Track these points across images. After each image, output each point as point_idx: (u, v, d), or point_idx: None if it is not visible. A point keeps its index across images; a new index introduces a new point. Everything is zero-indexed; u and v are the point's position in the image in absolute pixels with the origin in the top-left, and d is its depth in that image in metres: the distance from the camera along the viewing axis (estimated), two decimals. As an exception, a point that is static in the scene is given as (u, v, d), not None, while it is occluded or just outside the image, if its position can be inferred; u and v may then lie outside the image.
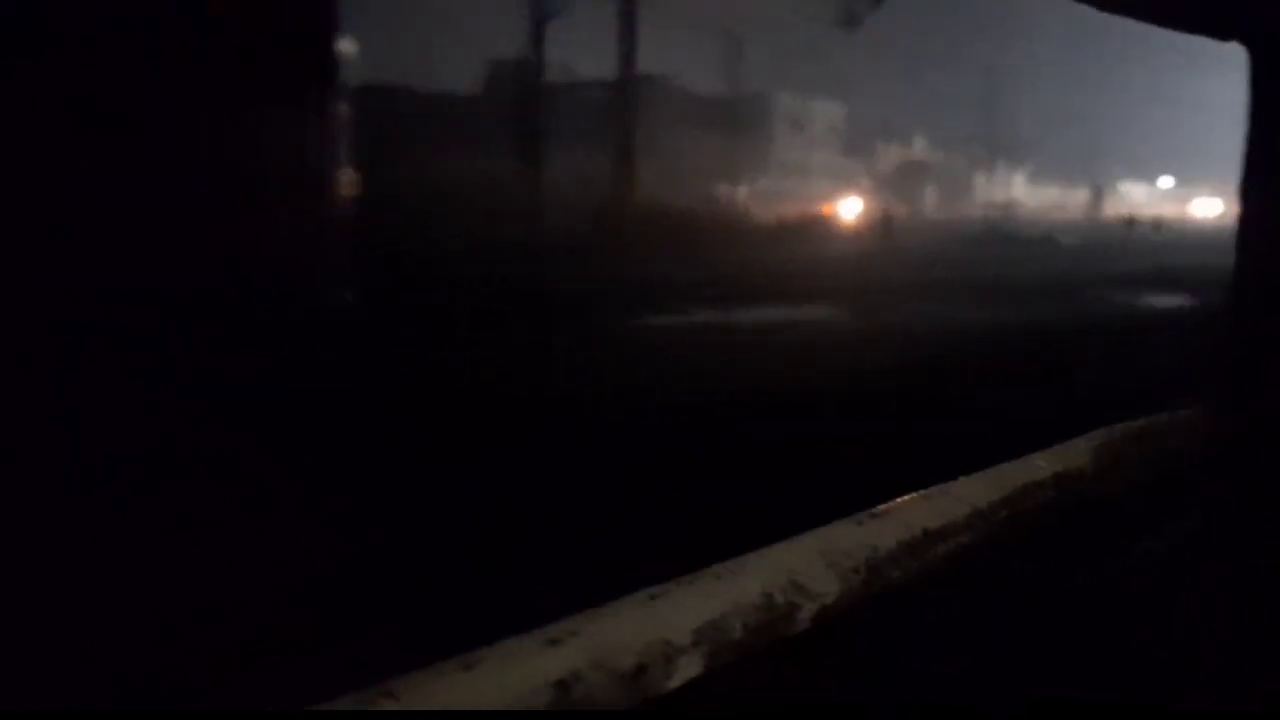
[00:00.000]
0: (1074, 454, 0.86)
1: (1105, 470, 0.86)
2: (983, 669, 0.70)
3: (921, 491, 0.71)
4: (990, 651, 0.71)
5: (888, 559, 0.64)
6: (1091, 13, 0.96)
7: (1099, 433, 0.91)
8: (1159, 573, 0.90)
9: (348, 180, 0.62)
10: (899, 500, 0.69)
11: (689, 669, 0.51)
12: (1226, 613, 1.01)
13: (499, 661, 0.45)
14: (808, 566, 0.59)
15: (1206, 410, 1.05)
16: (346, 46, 0.60)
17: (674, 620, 0.51)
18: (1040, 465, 0.81)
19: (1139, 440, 0.94)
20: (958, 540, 0.69)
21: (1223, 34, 1.00)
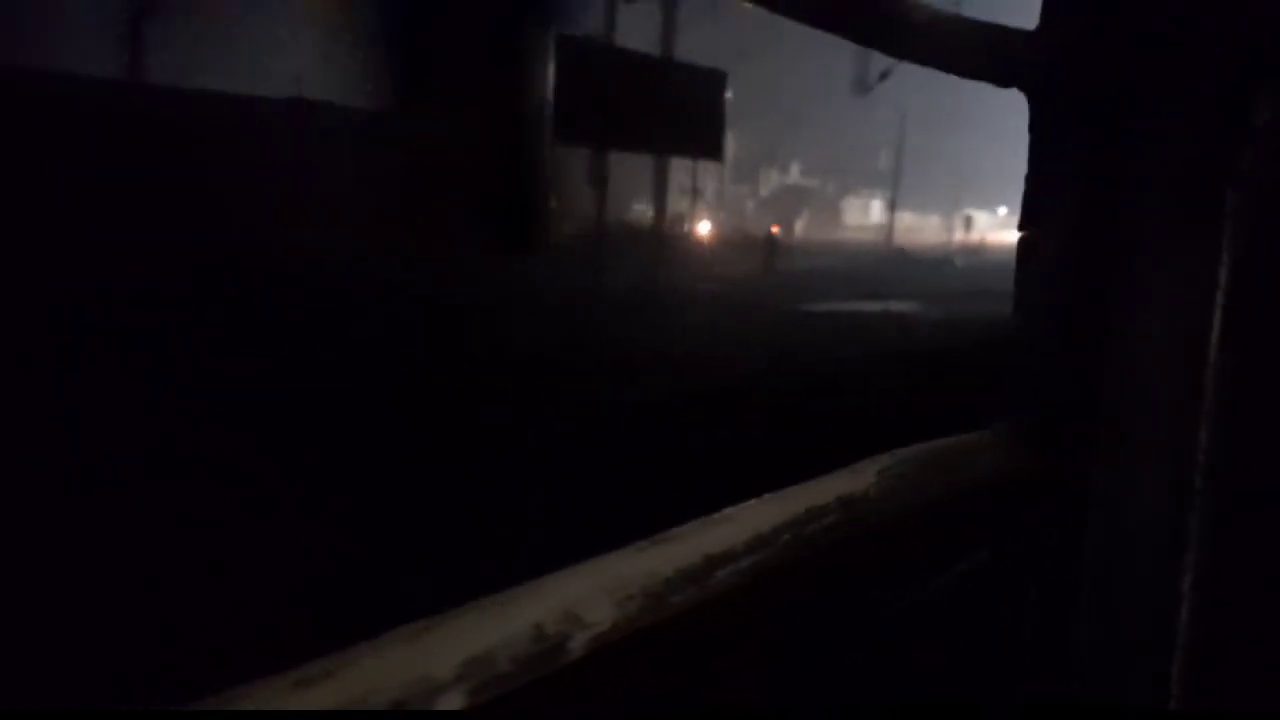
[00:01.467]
0: (860, 477, 0.90)
1: (889, 493, 0.91)
2: (768, 690, 0.73)
3: (706, 517, 0.74)
4: (775, 673, 0.74)
5: (666, 586, 0.65)
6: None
7: (884, 456, 0.95)
8: (945, 597, 0.95)
9: None
10: (683, 526, 0.71)
11: (451, 705, 0.51)
12: (1013, 638, 1.08)
13: (240, 704, 0.45)
14: (582, 596, 0.60)
15: (996, 433, 1.12)
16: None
17: (437, 655, 0.52)
18: (825, 488, 0.85)
19: (927, 464, 0.99)
20: (738, 565, 0.71)
21: (1005, 82, 1.07)
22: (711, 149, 17.63)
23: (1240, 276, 0.98)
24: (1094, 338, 1.09)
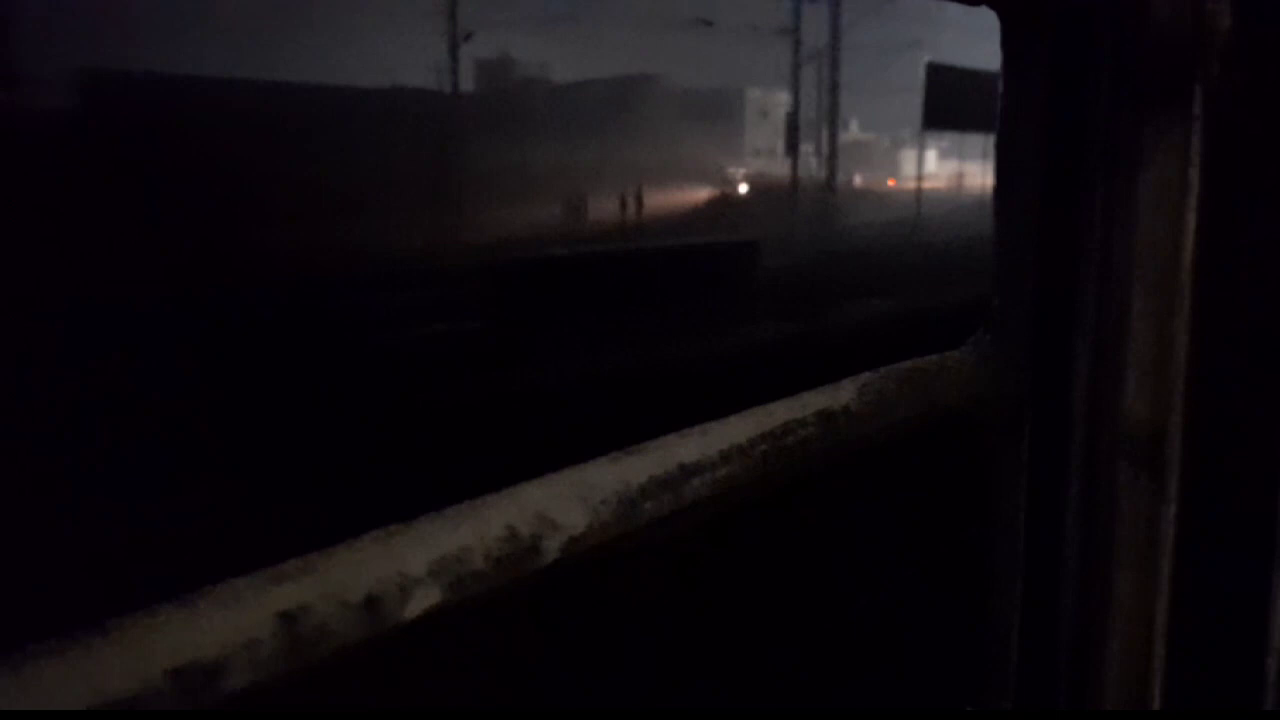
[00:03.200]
0: (840, 392, 0.92)
1: (868, 409, 0.92)
2: (743, 594, 0.75)
3: (682, 430, 0.75)
4: (752, 578, 0.76)
5: (640, 492, 0.67)
6: None
7: (867, 373, 0.97)
8: (920, 508, 0.97)
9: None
10: (657, 439, 0.73)
11: (427, 599, 0.53)
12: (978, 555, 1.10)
13: (220, 600, 0.47)
14: (556, 501, 0.62)
15: (978, 351, 1.13)
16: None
17: (411, 554, 0.54)
18: (804, 403, 0.86)
19: (907, 381, 1.01)
20: (713, 474, 0.73)
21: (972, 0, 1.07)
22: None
23: (1211, 178, 0.99)
24: (1071, 252, 1.10)
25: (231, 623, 0.46)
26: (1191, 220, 1.01)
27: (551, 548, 0.60)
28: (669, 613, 0.66)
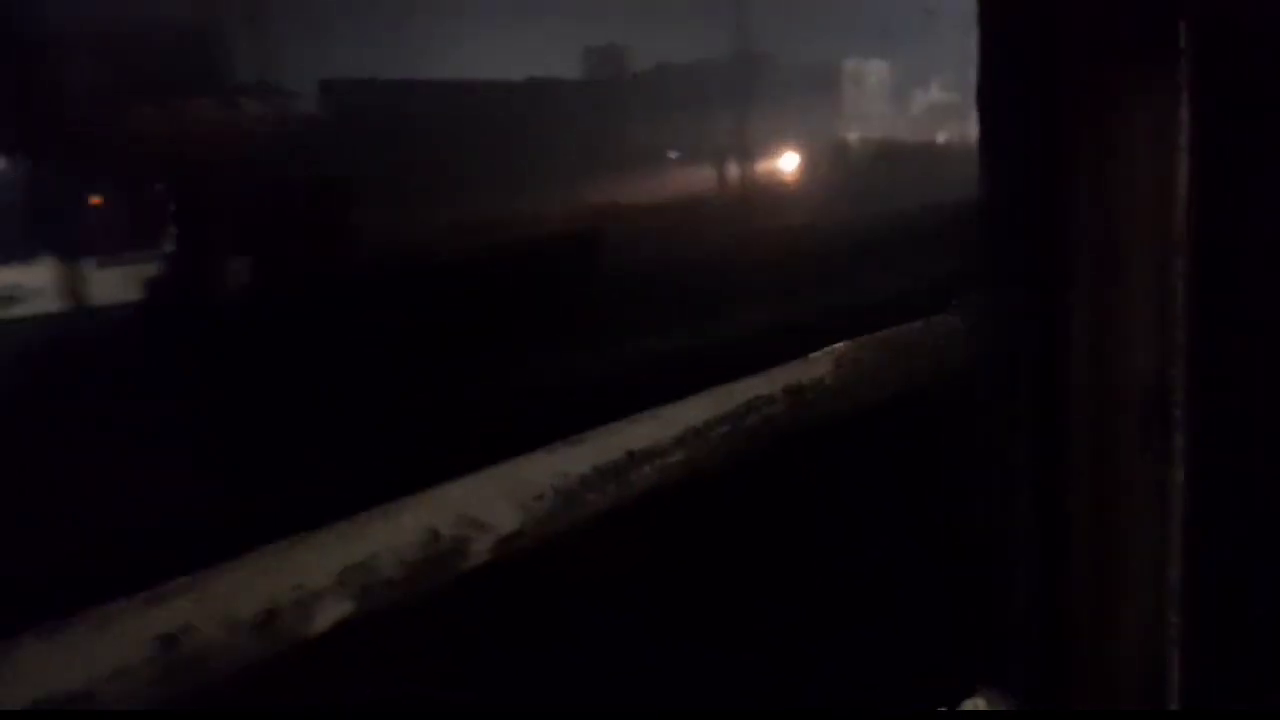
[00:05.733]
0: (814, 365, 0.87)
1: (845, 383, 0.88)
2: (705, 588, 0.71)
3: (632, 416, 0.71)
4: (715, 571, 0.72)
5: (582, 484, 0.64)
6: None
7: (843, 344, 0.92)
8: (902, 483, 0.92)
9: None
10: (602, 427, 0.69)
11: (335, 612, 0.50)
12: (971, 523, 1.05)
13: (94, 624, 0.44)
14: (483, 499, 0.59)
15: (965, 316, 1.08)
16: None
17: (314, 564, 0.50)
18: (772, 379, 0.82)
19: (887, 350, 0.96)
20: (665, 460, 0.69)
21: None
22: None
23: (1200, 117, 0.93)
24: (1062, 205, 1.05)
25: (104, 649, 0.43)
26: (1184, 162, 0.95)
27: (480, 549, 0.57)
28: (621, 612, 0.63)
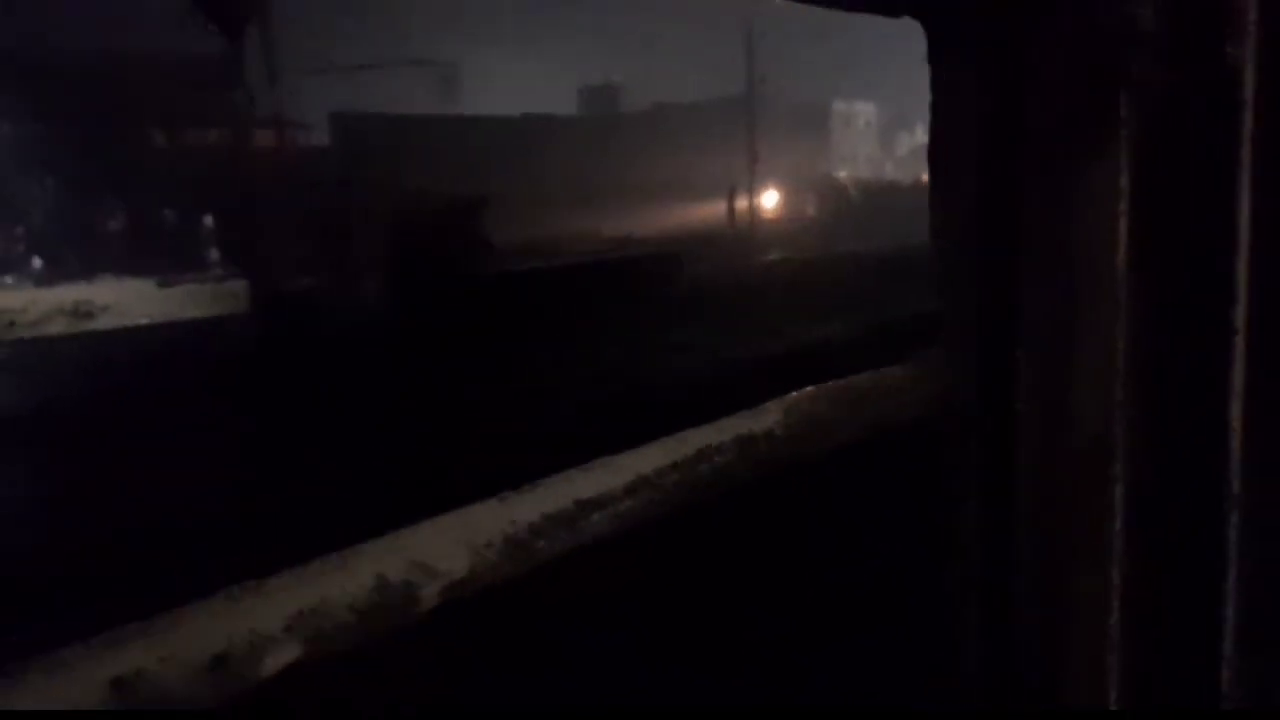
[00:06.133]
0: (764, 416, 0.90)
1: (796, 434, 0.90)
2: (657, 629, 0.73)
3: (583, 465, 0.74)
4: (669, 615, 0.74)
5: (531, 532, 0.66)
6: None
7: (794, 394, 0.95)
8: (851, 532, 0.95)
9: None
10: (553, 476, 0.71)
11: (283, 656, 0.52)
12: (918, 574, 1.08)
13: (47, 669, 0.45)
14: (434, 546, 0.61)
15: (918, 366, 1.11)
16: None
17: (265, 610, 0.52)
18: (722, 428, 0.85)
19: (840, 401, 0.99)
20: (615, 509, 0.71)
21: (892, 11, 1.06)
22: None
23: (1139, 182, 0.97)
24: (1011, 263, 1.08)
25: (56, 694, 0.44)
26: (1124, 225, 0.99)
27: (429, 595, 0.59)
28: (575, 656, 0.64)
